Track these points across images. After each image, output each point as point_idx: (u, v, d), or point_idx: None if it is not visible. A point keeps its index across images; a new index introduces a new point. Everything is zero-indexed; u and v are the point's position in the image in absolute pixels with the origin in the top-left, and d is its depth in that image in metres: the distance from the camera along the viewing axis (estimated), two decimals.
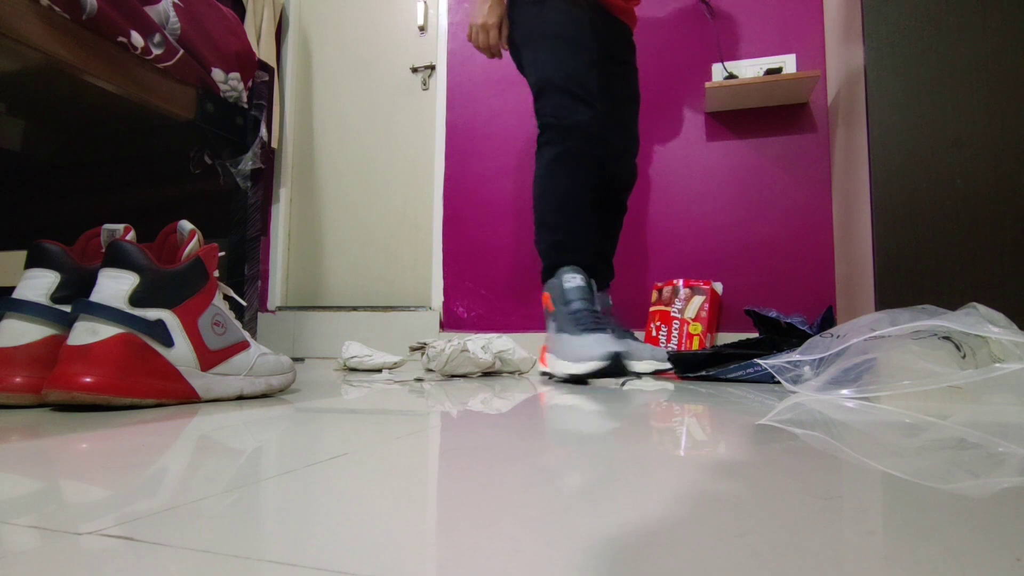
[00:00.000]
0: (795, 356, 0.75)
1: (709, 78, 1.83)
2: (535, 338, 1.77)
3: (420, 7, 2.22)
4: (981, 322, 0.62)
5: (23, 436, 0.42)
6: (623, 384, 0.94)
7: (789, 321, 1.04)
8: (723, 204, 1.78)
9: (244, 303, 1.05)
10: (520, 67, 1.27)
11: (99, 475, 0.30)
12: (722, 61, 1.74)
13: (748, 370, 0.96)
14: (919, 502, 0.25)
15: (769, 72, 1.64)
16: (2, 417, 0.52)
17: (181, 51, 1.27)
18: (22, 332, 0.59)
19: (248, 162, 1.49)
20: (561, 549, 0.19)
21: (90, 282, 0.62)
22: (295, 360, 1.88)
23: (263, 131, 1.54)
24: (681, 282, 1.58)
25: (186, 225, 0.66)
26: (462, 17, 2.14)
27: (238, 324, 0.70)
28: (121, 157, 1.61)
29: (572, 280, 1.08)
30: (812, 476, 0.30)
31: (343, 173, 2.31)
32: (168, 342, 0.59)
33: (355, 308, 2.15)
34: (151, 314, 0.58)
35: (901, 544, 0.20)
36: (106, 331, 0.55)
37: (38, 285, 0.61)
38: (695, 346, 1.51)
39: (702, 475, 0.30)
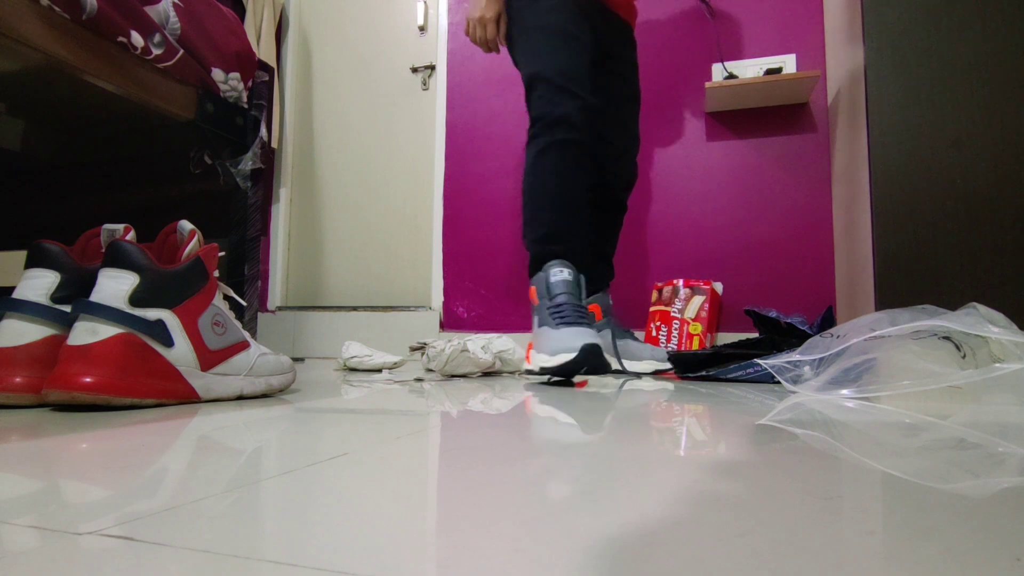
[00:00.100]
0: (795, 356, 0.75)
1: (709, 78, 1.83)
2: None
3: (420, 7, 2.22)
4: (981, 322, 0.62)
5: (23, 436, 0.42)
6: (623, 385, 0.94)
7: (789, 321, 1.04)
8: (723, 204, 1.78)
9: (244, 303, 1.05)
10: (515, 62, 1.26)
11: (99, 475, 0.30)
12: (722, 61, 1.74)
13: (748, 370, 0.96)
14: (919, 502, 0.25)
15: (769, 72, 1.64)
16: (2, 417, 0.52)
17: (181, 51, 1.27)
18: (22, 332, 0.59)
19: (248, 162, 1.49)
20: (561, 549, 0.19)
21: (90, 282, 0.62)
22: (295, 360, 1.88)
23: (263, 131, 1.54)
24: (681, 282, 1.58)
25: (186, 225, 0.66)
26: (462, 17, 2.14)
27: (238, 324, 0.70)
28: (121, 157, 1.61)
29: (559, 274, 1.04)
30: (812, 476, 0.30)
31: (343, 173, 2.31)
32: (168, 342, 0.59)
33: (355, 308, 2.15)
34: (151, 314, 0.58)
35: (901, 544, 0.20)
36: (106, 331, 0.55)
37: (38, 285, 0.61)
38: (695, 346, 1.51)
39: (702, 475, 0.30)
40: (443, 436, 0.43)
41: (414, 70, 2.23)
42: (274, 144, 2.21)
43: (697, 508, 0.24)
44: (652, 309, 1.61)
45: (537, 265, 1.14)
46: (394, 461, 0.34)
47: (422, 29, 2.23)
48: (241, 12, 2.04)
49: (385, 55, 2.29)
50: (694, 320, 1.54)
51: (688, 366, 1.06)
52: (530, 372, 1.04)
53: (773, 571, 0.17)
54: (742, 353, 1.01)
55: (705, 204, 1.80)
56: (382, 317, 2.10)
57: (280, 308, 2.26)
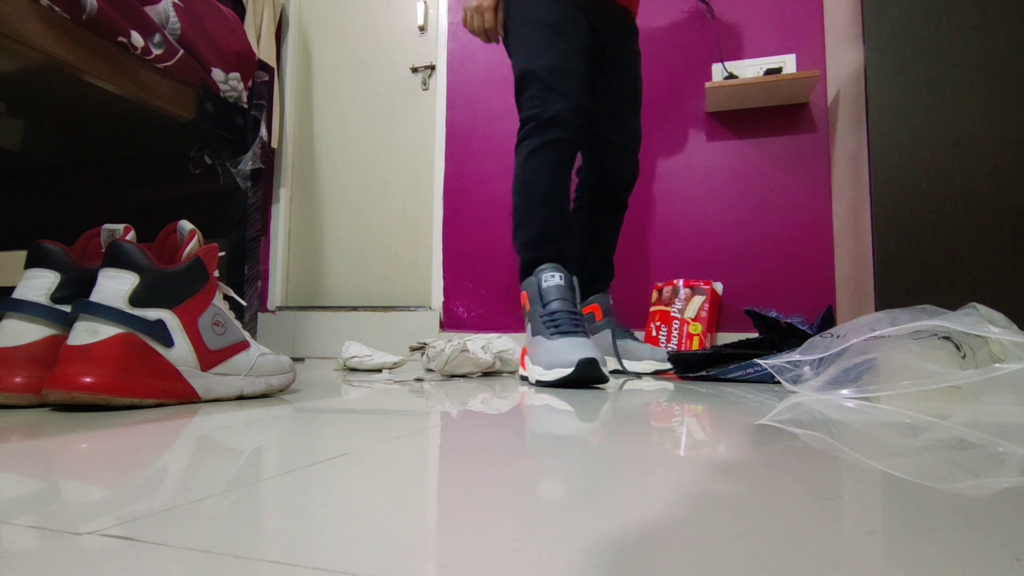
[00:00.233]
0: (795, 356, 0.75)
1: (709, 78, 1.83)
2: None
3: (420, 7, 2.22)
4: (981, 322, 0.62)
5: (23, 436, 0.42)
6: (623, 385, 0.94)
7: (789, 321, 1.04)
8: (723, 204, 1.78)
9: (244, 303, 1.05)
10: (509, 54, 1.22)
11: (99, 475, 0.30)
12: (722, 61, 1.74)
13: (748, 370, 0.96)
14: (919, 502, 0.25)
15: (769, 72, 1.64)
16: (2, 417, 0.52)
17: (181, 51, 1.27)
18: (22, 332, 0.59)
19: (248, 162, 1.49)
20: (561, 549, 0.19)
21: (90, 282, 0.62)
22: (295, 360, 1.88)
23: (263, 131, 1.54)
24: (681, 282, 1.58)
25: (186, 225, 0.66)
26: (462, 17, 2.14)
27: (238, 324, 0.70)
28: (121, 157, 1.61)
29: (551, 279, 1.01)
30: (812, 476, 0.30)
31: (343, 173, 2.31)
32: (168, 342, 0.59)
33: (355, 308, 2.16)
34: (151, 314, 0.58)
35: (901, 544, 0.20)
36: (106, 331, 0.55)
37: (38, 285, 0.61)
38: (695, 346, 1.51)
39: (702, 475, 0.30)
40: (443, 436, 0.43)
41: (414, 70, 2.23)
42: (274, 144, 2.21)
43: (697, 508, 0.24)
44: (652, 309, 1.61)
45: (528, 269, 1.10)
46: (394, 461, 0.34)
47: (422, 29, 2.23)
48: (241, 12, 2.04)
49: (385, 55, 2.29)
50: (694, 320, 1.54)
51: (688, 366, 1.06)
52: (525, 380, 1.03)
53: (773, 571, 0.17)
54: (742, 353, 1.01)
55: (705, 204, 1.80)
56: (382, 317, 2.10)
57: (280, 308, 2.26)
